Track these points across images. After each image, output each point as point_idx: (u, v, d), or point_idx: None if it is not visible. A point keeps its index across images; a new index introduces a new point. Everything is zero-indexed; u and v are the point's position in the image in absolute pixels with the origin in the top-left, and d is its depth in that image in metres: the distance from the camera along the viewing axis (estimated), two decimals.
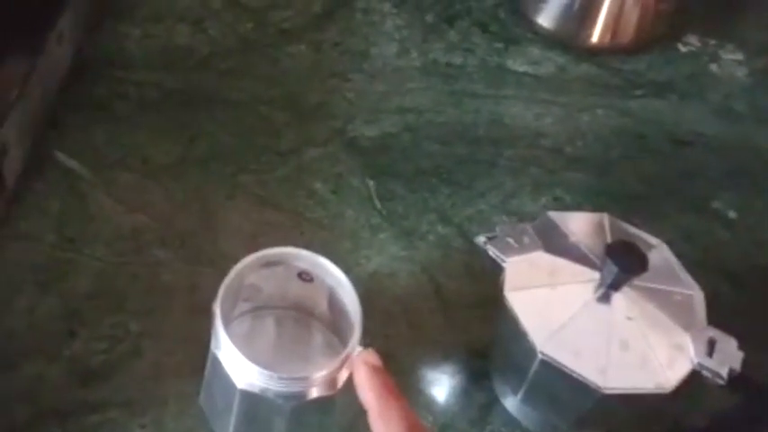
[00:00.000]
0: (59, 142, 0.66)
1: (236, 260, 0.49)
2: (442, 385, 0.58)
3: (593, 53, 0.78)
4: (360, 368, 0.43)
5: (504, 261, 0.52)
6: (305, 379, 0.46)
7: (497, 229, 0.54)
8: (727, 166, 0.71)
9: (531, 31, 0.79)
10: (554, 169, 0.69)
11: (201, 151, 0.67)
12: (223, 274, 0.49)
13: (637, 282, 0.50)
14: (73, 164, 0.65)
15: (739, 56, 0.79)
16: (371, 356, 0.44)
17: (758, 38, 0.81)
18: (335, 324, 0.52)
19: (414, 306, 0.61)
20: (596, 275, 0.51)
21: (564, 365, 0.49)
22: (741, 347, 0.49)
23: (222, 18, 0.77)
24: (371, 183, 0.67)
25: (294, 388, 0.46)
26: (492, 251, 0.53)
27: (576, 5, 0.77)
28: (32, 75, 0.61)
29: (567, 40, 0.78)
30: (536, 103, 0.74)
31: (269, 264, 0.50)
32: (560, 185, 0.68)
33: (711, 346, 0.49)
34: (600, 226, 0.54)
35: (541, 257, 0.52)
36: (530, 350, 0.50)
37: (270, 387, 0.46)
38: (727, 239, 0.67)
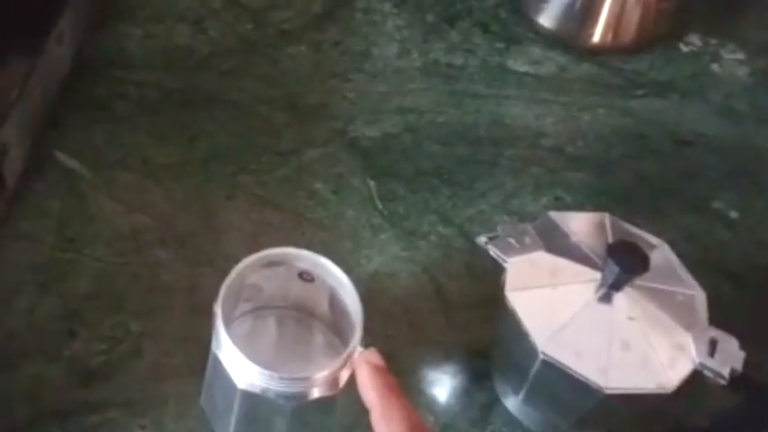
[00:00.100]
0: (60, 142, 0.66)
1: (236, 260, 0.49)
2: (443, 385, 0.58)
3: (595, 53, 0.78)
4: (362, 368, 0.43)
5: (506, 261, 0.52)
6: (306, 379, 0.46)
7: (498, 229, 0.54)
8: (729, 166, 0.71)
9: (532, 30, 0.79)
10: (555, 169, 0.69)
11: (202, 151, 0.67)
12: (223, 274, 0.48)
13: (638, 282, 0.50)
14: (73, 164, 0.65)
15: (741, 55, 0.79)
16: (374, 356, 0.44)
17: (760, 37, 0.81)
18: (336, 324, 0.52)
19: (415, 306, 0.60)
20: (598, 275, 0.51)
21: (565, 365, 0.49)
22: (742, 347, 0.49)
23: (222, 18, 0.77)
24: (372, 183, 0.67)
25: (295, 388, 0.46)
26: (493, 251, 0.53)
27: (578, 5, 0.77)
28: (32, 75, 0.61)
29: (569, 39, 0.78)
30: (537, 102, 0.74)
31: (270, 264, 0.50)
32: (561, 185, 0.68)
33: (713, 346, 0.49)
34: (601, 226, 0.54)
35: (543, 257, 0.52)
36: (531, 350, 0.50)
37: (271, 387, 0.46)
38: (728, 239, 0.66)
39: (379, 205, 0.66)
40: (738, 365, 0.48)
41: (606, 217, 0.54)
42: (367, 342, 0.46)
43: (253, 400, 0.46)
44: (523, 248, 0.53)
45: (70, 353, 0.56)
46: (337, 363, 0.46)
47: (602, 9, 0.76)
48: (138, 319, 0.58)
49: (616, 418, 0.52)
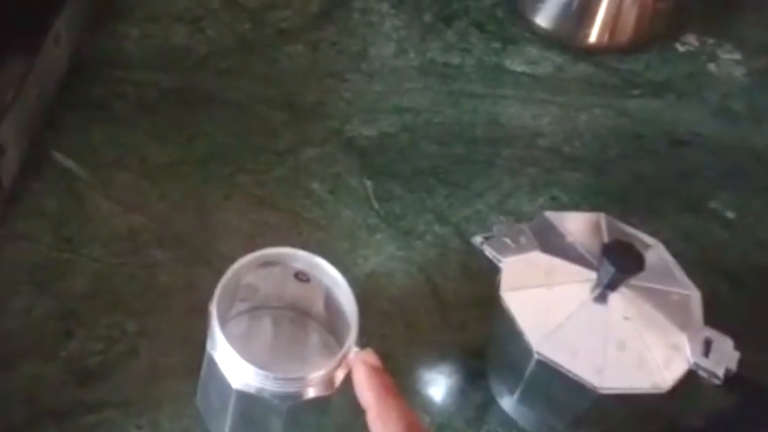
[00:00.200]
0: (57, 142, 0.66)
1: (233, 260, 0.49)
2: (438, 385, 0.58)
3: (591, 53, 0.78)
4: (359, 368, 0.43)
5: (501, 261, 0.52)
6: (301, 379, 0.46)
7: (494, 229, 0.54)
8: (725, 166, 0.71)
9: (528, 30, 0.79)
10: (551, 169, 0.69)
11: (199, 151, 0.67)
12: (220, 274, 0.49)
13: (633, 282, 0.50)
14: (70, 164, 0.65)
15: (737, 55, 0.79)
16: (370, 356, 0.44)
17: (756, 37, 0.81)
18: (332, 324, 0.52)
19: (410, 306, 0.61)
20: (593, 275, 0.51)
21: (560, 365, 0.49)
22: (737, 347, 0.49)
23: (220, 18, 0.77)
24: (369, 183, 0.67)
25: (290, 388, 0.46)
26: (488, 251, 0.53)
27: (574, 5, 0.77)
28: (29, 75, 0.61)
29: (565, 39, 0.78)
30: (534, 102, 0.74)
31: (266, 264, 0.50)
32: (558, 185, 0.68)
33: (708, 346, 0.49)
34: (597, 226, 0.54)
35: (538, 257, 0.52)
36: (526, 350, 0.50)
37: (266, 387, 0.46)
38: (724, 239, 0.67)
39: (376, 205, 0.66)
40: (733, 365, 0.49)
41: (602, 217, 0.54)
42: (363, 342, 0.46)
43: (248, 400, 0.46)
44: (519, 248, 0.53)
45: (67, 353, 0.56)
46: (333, 363, 0.46)
47: (598, 9, 0.76)
48: (134, 319, 0.58)
49: (611, 417, 0.53)
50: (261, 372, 0.45)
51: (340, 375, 0.46)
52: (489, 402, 0.57)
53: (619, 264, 0.49)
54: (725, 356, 0.49)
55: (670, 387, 0.48)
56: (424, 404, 0.57)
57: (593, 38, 0.77)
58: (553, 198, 0.67)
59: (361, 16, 0.78)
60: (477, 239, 0.54)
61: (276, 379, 0.45)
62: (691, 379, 0.49)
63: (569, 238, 0.53)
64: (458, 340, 0.59)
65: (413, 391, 0.57)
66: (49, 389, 0.54)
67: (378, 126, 0.71)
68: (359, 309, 0.47)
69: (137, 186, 0.65)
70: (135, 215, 0.63)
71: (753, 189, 0.70)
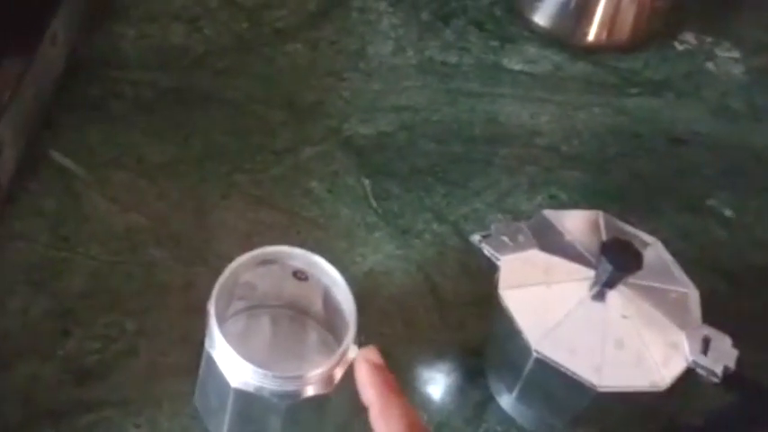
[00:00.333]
0: (54, 142, 0.66)
1: (230, 259, 0.49)
2: (437, 383, 0.58)
3: (590, 51, 0.78)
4: (361, 365, 0.43)
5: (499, 259, 0.52)
6: (299, 377, 0.46)
7: (492, 227, 0.54)
8: (724, 165, 0.71)
9: (527, 29, 0.79)
10: (550, 168, 0.69)
11: (196, 150, 0.67)
12: (218, 273, 0.49)
13: (632, 280, 0.50)
14: (67, 163, 0.65)
15: (736, 54, 0.79)
16: (372, 353, 0.44)
17: (755, 36, 0.81)
18: (331, 322, 0.52)
19: (409, 304, 0.60)
20: (591, 273, 0.51)
21: (559, 364, 0.49)
22: (736, 345, 0.49)
23: (217, 17, 0.76)
24: (367, 181, 0.67)
25: (289, 386, 0.46)
26: (487, 249, 0.53)
27: (572, 4, 0.77)
28: (26, 75, 0.61)
29: (563, 38, 0.78)
30: (532, 101, 0.74)
31: (264, 262, 0.50)
32: (556, 184, 0.68)
33: (706, 345, 0.49)
34: (595, 224, 0.54)
35: (536, 255, 0.52)
36: (525, 348, 0.50)
37: (264, 386, 0.46)
38: (722, 238, 0.67)
39: (374, 204, 0.66)
40: (732, 364, 0.49)
41: (600, 215, 0.54)
42: (361, 340, 0.46)
43: (246, 399, 0.46)
44: (517, 246, 0.53)
45: (64, 352, 0.56)
46: (331, 361, 0.46)
47: (596, 8, 0.76)
48: (132, 318, 0.58)
49: (610, 416, 0.52)
50: (259, 370, 0.45)
51: (338, 374, 0.46)
52: (488, 401, 0.57)
53: (617, 262, 0.49)
54: (723, 355, 0.49)
55: (668, 385, 0.48)
56: (423, 402, 0.56)
57: (591, 36, 0.77)
58: (551, 196, 0.67)
59: (359, 15, 0.78)
60: (476, 238, 0.54)
61: (275, 377, 0.45)
62: (689, 377, 0.49)
63: (568, 237, 0.53)
64: (456, 338, 0.59)
65: (411, 390, 0.57)
66: (47, 388, 0.54)
67: (376, 125, 0.71)
68: (357, 307, 0.47)
69: (134, 185, 0.65)
70: (132, 214, 0.63)
71: (751, 188, 0.70)
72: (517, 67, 0.76)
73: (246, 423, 0.49)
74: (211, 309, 0.47)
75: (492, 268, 0.53)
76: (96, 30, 0.73)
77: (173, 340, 0.57)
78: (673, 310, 0.50)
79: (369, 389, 0.42)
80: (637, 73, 0.77)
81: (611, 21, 0.77)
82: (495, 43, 0.78)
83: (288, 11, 0.78)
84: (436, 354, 0.59)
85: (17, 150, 0.62)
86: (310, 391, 0.46)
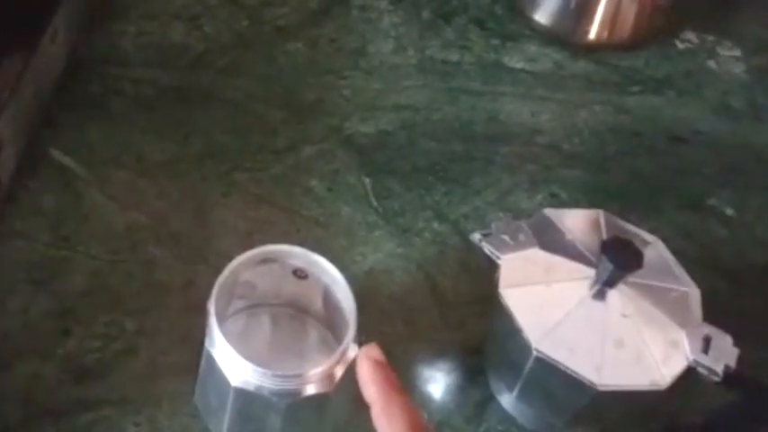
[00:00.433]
0: (54, 140, 0.66)
1: (231, 258, 0.49)
2: (437, 382, 0.58)
3: (591, 50, 0.78)
4: (363, 363, 0.43)
5: (500, 258, 0.52)
6: (299, 376, 0.46)
7: (492, 226, 0.54)
8: (724, 164, 0.71)
9: (528, 27, 0.78)
10: (550, 166, 0.69)
11: (197, 149, 0.67)
12: (218, 271, 0.49)
13: (632, 279, 0.50)
14: (68, 162, 0.65)
15: (737, 52, 0.79)
16: (374, 351, 0.43)
17: (756, 34, 0.81)
18: (331, 321, 0.52)
19: (409, 303, 0.60)
20: (592, 272, 0.51)
21: (559, 362, 0.49)
22: (736, 344, 0.49)
23: (218, 15, 0.76)
24: (367, 180, 0.67)
25: (288, 385, 0.46)
26: (487, 248, 0.53)
27: (574, 2, 0.77)
28: (26, 73, 0.61)
29: (564, 36, 0.78)
30: (533, 99, 0.74)
31: (264, 261, 0.50)
32: (557, 182, 0.68)
33: (707, 343, 0.49)
34: (595, 223, 0.54)
35: (536, 254, 0.52)
36: (525, 347, 0.49)
37: (264, 385, 0.46)
38: (723, 237, 0.66)
39: (374, 202, 0.65)
40: (732, 362, 0.48)
41: (600, 214, 0.54)
42: (361, 339, 0.46)
43: (246, 398, 0.46)
44: (517, 245, 0.53)
45: (64, 351, 0.56)
46: (331, 360, 0.46)
47: (598, 6, 0.76)
48: (132, 317, 0.58)
49: (610, 415, 0.52)
50: (259, 369, 0.45)
51: (338, 372, 0.46)
52: (488, 399, 0.57)
53: (617, 261, 0.49)
54: (724, 353, 0.49)
55: (669, 384, 0.48)
56: (423, 401, 0.56)
57: (592, 35, 0.77)
58: (552, 195, 0.67)
59: (359, 13, 0.78)
60: (476, 237, 0.54)
61: (275, 376, 0.45)
62: (690, 376, 0.49)
63: (568, 236, 0.53)
64: (457, 337, 0.59)
65: (412, 388, 0.57)
66: (47, 387, 0.54)
67: (376, 123, 0.71)
68: (357, 306, 0.47)
69: (134, 184, 0.64)
70: (132, 213, 0.63)
71: (752, 186, 0.70)
72: (518, 65, 0.76)
73: (246, 422, 0.49)
74: (211, 308, 0.47)
75: (492, 267, 0.53)
76: (96, 28, 0.73)
77: (173, 339, 0.57)
78: (673, 308, 0.50)
79: (371, 386, 0.42)
80: (638, 71, 0.77)
81: (612, 19, 0.77)
82: (496, 42, 0.78)
83: (289, 9, 0.78)
84: (436, 353, 0.59)
85: (17, 148, 0.62)
86: (310, 389, 0.46)
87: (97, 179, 0.64)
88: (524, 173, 0.69)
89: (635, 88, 0.76)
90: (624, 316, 0.50)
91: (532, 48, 0.77)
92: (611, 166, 0.70)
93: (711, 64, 0.78)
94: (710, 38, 0.80)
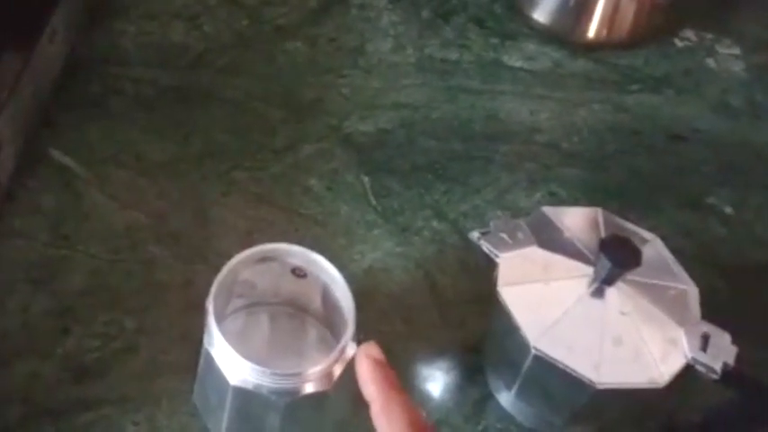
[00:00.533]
0: (53, 140, 0.66)
1: (230, 257, 0.49)
2: (436, 381, 0.58)
3: (590, 48, 0.78)
4: (362, 361, 0.43)
5: (498, 256, 0.52)
6: (298, 375, 0.46)
7: (491, 224, 0.54)
8: (724, 162, 0.71)
9: (526, 26, 0.79)
10: (549, 165, 0.69)
11: (196, 148, 0.67)
12: (217, 270, 0.49)
13: (630, 277, 0.50)
14: (67, 161, 0.65)
15: (736, 50, 0.79)
16: (373, 349, 0.43)
17: (755, 32, 0.81)
18: (329, 320, 0.52)
19: (408, 302, 0.60)
20: (590, 270, 0.51)
21: (557, 361, 0.49)
22: (735, 342, 0.49)
23: (217, 15, 0.76)
24: (366, 179, 0.67)
25: (287, 384, 0.46)
26: (485, 246, 0.53)
27: (572, 1, 0.77)
28: (25, 72, 0.61)
29: (563, 35, 0.78)
30: (532, 98, 0.74)
31: (263, 260, 0.50)
32: (556, 181, 0.68)
33: (705, 341, 0.49)
34: (594, 221, 0.54)
35: (535, 253, 0.52)
36: (523, 345, 0.50)
37: (263, 383, 0.46)
38: (722, 235, 0.66)
39: (374, 201, 0.66)
40: (731, 360, 0.48)
41: (599, 212, 0.54)
42: (360, 337, 0.46)
43: (245, 397, 0.46)
44: (516, 244, 0.53)
45: (64, 350, 0.56)
46: (330, 358, 0.46)
47: (596, 4, 0.76)
48: (132, 316, 0.58)
49: (609, 413, 0.52)
50: (258, 368, 0.45)
51: (337, 371, 0.46)
52: (487, 398, 0.57)
53: (616, 258, 0.49)
54: (722, 351, 0.49)
55: (667, 382, 0.48)
56: (422, 400, 0.56)
57: (591, 33, 0.77)
58: (551, 193, 0.67)
59: (358, 12, 0.78)
60: (475, 235, 0.54)
61: (273, 375, 0.45)
62: (688, 374, 0.49)
63: (567, 234, 0.53)
64: (455, 336, 0.59)
65: (410, 387, 0.57)
66: (46, 387, 0.54)
67: (375, 122, 0.71)
68: (356, 304, 0.47)
69: (134, 183, 0.65)
70: (132, 212, 0.63)
71: (751, 185, 0.70)
72: (517, 64, 0.76)
73: (245, 420, 0.49)
74: (210, 307, 0.47)
75: (491, 265, 0.53)
76: (96, 27, 0.73)
77: (172, 338, 0.57)
78: (672, 306, 0.50)
79: (370, 385, 0.42)
80: (637, 70, 0.77)
81: (611, 17, 0.77)
82: (495, 40, 0.78)
83: (288, 8, 0.78)
84: (435, 351, 0.59)
85: (16, 148, 0.62)
86: (309, 388, 0.46)
87: (97, 178, 0.64)
88: (523, 171, 0.69)
89: (634, 87, 0.76)
90: (623, 314, 0.50)
91: (531, 46, 0.77)
92: (610, 165, 0.70)
93: (710, 62, 0.78)
94: (709, 36, 0.80)
